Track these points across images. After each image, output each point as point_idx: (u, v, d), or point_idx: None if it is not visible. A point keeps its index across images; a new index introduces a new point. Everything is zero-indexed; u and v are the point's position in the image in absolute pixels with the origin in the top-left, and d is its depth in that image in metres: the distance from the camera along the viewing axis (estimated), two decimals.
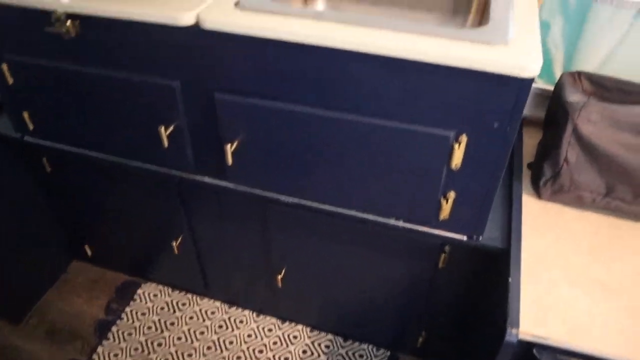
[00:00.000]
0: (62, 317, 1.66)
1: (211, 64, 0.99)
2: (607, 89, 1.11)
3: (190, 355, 1.55)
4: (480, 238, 1.07)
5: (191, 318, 1.64)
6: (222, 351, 1.56)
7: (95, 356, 1.55)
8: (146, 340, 1.59)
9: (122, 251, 1.67)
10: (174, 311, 1.67)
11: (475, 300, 1.24)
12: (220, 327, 1.62)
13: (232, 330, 1.61)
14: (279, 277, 1.38)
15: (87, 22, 1.01)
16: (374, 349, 1.57)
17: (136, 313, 1.66)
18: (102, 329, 1.62)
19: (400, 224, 1.10)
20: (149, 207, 1.42)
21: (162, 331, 1.61)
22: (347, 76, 0.91)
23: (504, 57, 0.80)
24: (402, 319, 1.39)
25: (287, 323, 1.63)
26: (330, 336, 1.60)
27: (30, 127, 1.29)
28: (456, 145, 0.92)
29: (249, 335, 1.59)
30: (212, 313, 1.66)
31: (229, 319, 1.64)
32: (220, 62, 0.98)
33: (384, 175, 1.01)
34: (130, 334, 1.60)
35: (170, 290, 1.73)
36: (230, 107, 1.02)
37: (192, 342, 1.58)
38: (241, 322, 1.63)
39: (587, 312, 0.93)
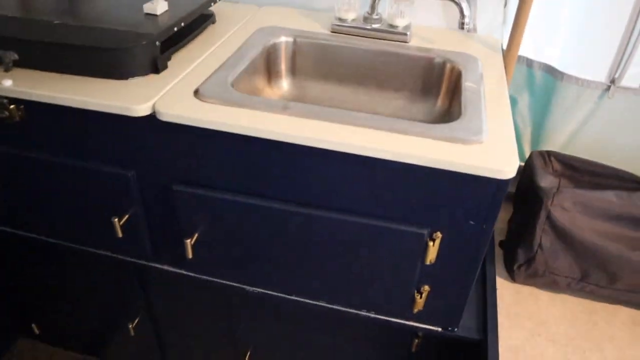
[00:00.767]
0: None
1: (169, 156, 0.92)
2: (577, 170, 1.09)
3: None
4: (456, 329, 1.02)
5: None
6: None
7: None
8: None
9: (74, 330, 1.55)
10: None
11: None
12: None
13: None
14: None
15: (33, 108, 0.94)
16: None
17: None
18: None
19: (372, 315, 1.04)
20: (104, 289, 1.32)
21: None
22: (314, 172, 0.86)
23: (480, 159, 0.76)
24: None
25: None
26: None
27: None
28: (430, 243, 0.88)
29: None
30: None
31: None
32: (178, 153, 0.91)
33: (354, 270, 0.95)
34: None
35: None
36: (189, 200, 0.95)
37: None
38: None
39: None
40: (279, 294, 1.07)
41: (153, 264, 1.14)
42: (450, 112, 1.05)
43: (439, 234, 0.87)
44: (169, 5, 1.06)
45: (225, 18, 1.23)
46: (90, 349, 1.62)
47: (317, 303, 1.06)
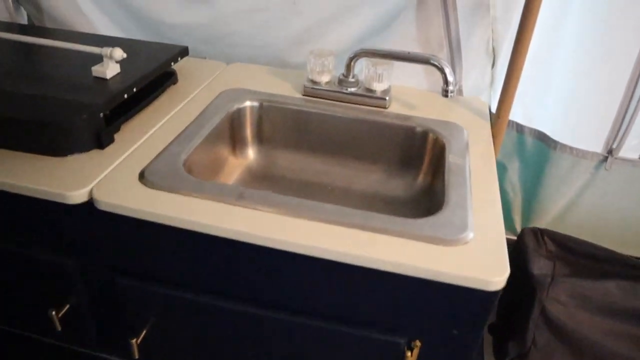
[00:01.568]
0: None
1: (110, 245, 0.81)
2: (573, 252, 0.99)
3: None
4: None
5: None
6: None
7: None
8: None
9: None
10: None
11: None
12: None
13: None
14: None
15: None
16: None
17: None
18: None
19: None
20: None
21: None
22: (275, 274, 0.74)
23: (465, 266, 0.65)
24: None
25: None
26: None
27: None
28: (408, 353, 0.76)
29: None
30: None
31: None
32: (120, 244, 0.80)
33: None
34: None
35: None
36: (134, 293, 0.83)
37: None
38: None
39: None
40: None
41: (99, 354, 1.01)
42: (432, 189, 0.95)
43: (418, 343, 0.75)
44: (124, 65, 0.95)
45: (188, 76, 1.12)
46: None
47: None
